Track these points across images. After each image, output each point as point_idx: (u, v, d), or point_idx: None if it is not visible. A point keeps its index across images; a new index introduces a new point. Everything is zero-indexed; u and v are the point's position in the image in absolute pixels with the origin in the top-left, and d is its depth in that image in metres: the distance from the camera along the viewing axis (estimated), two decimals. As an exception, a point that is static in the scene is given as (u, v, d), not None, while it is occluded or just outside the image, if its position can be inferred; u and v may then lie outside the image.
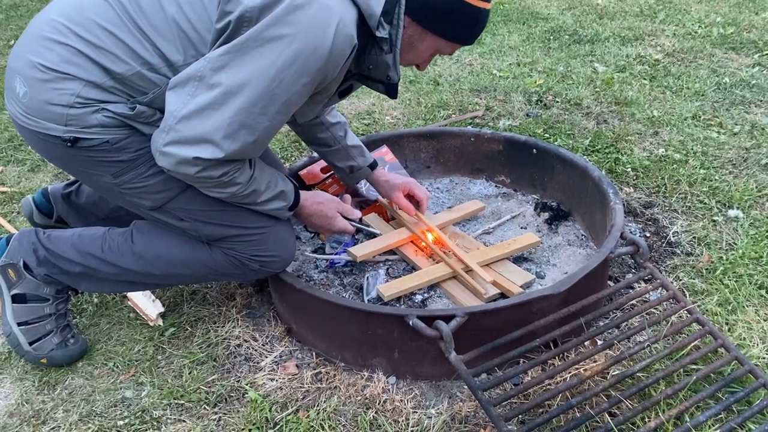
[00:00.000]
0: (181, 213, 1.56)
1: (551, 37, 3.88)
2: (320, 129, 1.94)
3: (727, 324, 1.66)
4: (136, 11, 1.40)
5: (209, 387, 1.61)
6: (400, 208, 2.03)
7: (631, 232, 2.04)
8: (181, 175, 1.41)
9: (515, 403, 1.49)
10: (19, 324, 1.66)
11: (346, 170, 2.02)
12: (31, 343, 1.66)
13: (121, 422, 1.53)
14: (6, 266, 1.66)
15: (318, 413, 1.51)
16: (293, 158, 2.68)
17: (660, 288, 1.67)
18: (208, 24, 1.38)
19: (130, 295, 1.88)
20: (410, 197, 2.04)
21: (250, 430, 1.48)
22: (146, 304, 1.84)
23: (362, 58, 1.50)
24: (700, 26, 3.87)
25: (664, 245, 2.02)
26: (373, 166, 2.04)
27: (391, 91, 1.59)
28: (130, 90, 1.43)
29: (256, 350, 1.72)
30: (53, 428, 1.53)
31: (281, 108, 1.38)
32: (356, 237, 2.13)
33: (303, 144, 2.78)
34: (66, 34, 1.41)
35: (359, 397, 1.55)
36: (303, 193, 1.69)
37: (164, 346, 1.75)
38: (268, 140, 1.46)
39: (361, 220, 1.91)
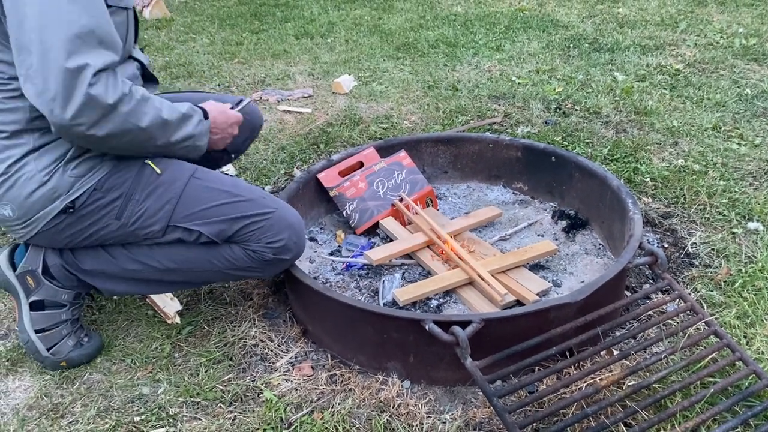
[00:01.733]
0: (187, 222, 1.59)
1: (571, 45, 3.88)
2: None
3: (745, 337, 1.65)
4: None
5: (225, 386, 1.62)
6: None
7: (649, 243, 2.03)
8: (98, 124, 1.39)
9: (530, 411, 1.49)
10: (36, 332, 1.67)
11: None
12: (48, 349, 1.68)
13: (138, 418, 1.55)
14: (25, 273, 1.67)
15: (332, 415, 1.52)
16: (311, 160, 2.70)
17: (678, 299, 1.66)
18: None
19: (148, 292, 1.90)
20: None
21: (265, 429, 1.49)
22: (164, 301, 1.85)
23: None
24: (721, 36, 3.84)
25: (682, 256, 2.01)
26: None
27: None
28: (46, 128, 1.47)
29: (271, 350, 1.73)
30: (71, 422, 1.55)
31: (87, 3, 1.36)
32: (372, 240, 2.14)
33: (321, 146, 2.80)
34: None
35: (373, 401, 1.56)
36: (203, 105, 1.68)
37: (181, 344, 1.76)
38: (112, 37, 1.41)
39: (240, 102, 1.90)
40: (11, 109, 1.46)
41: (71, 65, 1.32)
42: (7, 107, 1.46)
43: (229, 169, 2.64)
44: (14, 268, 1.69)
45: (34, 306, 1.68)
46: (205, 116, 1.65)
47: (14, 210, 1.52)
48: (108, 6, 1.44)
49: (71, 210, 1.53)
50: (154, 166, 1.58)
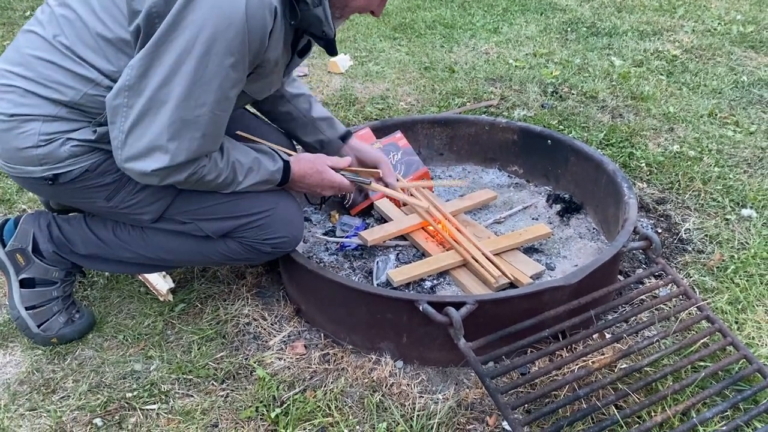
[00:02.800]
0: (181, 217, 1.57)
1: (569, 29, 3.85)
2: (281, 102, 1.86)
3: (736, 323, 1.66)
4: (63, 34, 1.39)
5: (217, 363, 1.62)
6: (384, 172, 1.87)
7: (643, 227, 2.04)
8: (151, 184, 1.43)
9: (522, 392, 1.50)
10: (27, 308, 1.65)
11: (315, 146, 1.89)
12: (39, 326, 1.66)
13: (130, 394, 1.54)
14: (14, 251, 1.65)
15: (325, 394, 1.52)
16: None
17: (671, 284, 1.66)
18: (127, 26, 1.35)
19: (141, 269, 1.89)
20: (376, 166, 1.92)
21: (257, 407, 1.49)
22: (157, 279, 1.84)
23: (297, 14, 1.42)
24: (719, 23, 3.83)
25: (675, 242, 2.01)
26: (345, 137, 1.90)
27: (330, 47, 1.51)
28: (86, 115, 1.43)
29: (264, 329, 1.73)
30: (63, 397, 1.54)
31: (218, 95, 1.34)
32: (367, 221, 2.13)
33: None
34: (10, 77, 1.42)
35: (366, 380, 1.56)
36: (291, 162, 1.63)
37: (174, 322, 1.76)
38: (220, 131, 1.42)
39: (357, 173, 1.78)
40: (66, 85, 1.39)
41: (170, 149, 1.34)
42: (62, 82, 1.39)
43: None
44: (4, 244, 1.67)
45: (25, 283, 1.66)
46: (282, 182, 1.60)
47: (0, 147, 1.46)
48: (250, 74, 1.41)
49: (50, 182, 1.47)
50: None
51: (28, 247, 1.65)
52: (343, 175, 1.71)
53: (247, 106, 1.85)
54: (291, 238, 1.64)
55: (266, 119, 1.92)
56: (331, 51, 1.52)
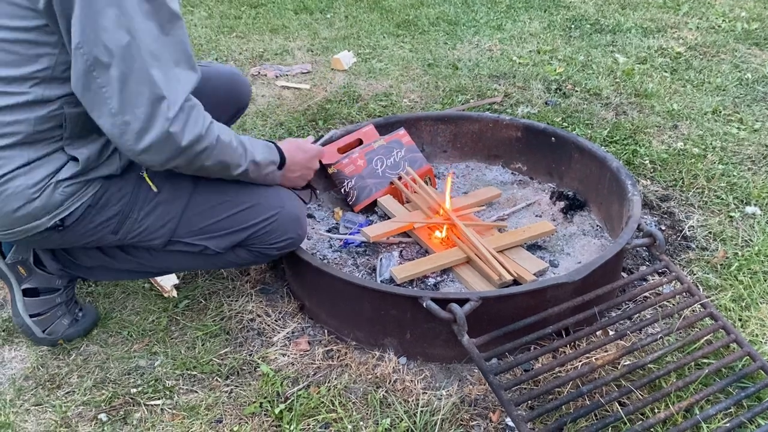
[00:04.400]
0: (190, 238, 1.55)
1: (572, 26, 3.85)
2: None
3: (740, 320, 1.66)
4: None
5: (222, 359, 1.63)
6: None
7: (646, 224, 2.04)
8: (167, 161, 1.33)
9: (525, 388, 1.50)
10: (31, 316, 1.64)
11: None
12: (44, 330, 1.65)
13: (135, 390, 1.55)
14: (15, 263, 1.62)
15: (329, 389, 1.52)
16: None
17: (674, 281, 1.66)
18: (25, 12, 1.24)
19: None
20: None
21: (261, 403, 1.50)
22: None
23: None
24: (724, 20, 3.82)
25: (679, 239, 2.01)
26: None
27: None
28: (52, 141, 1.35)
29: (268, 325, 1.74)
30: (68, 392, 1.55)
31: (170, 13, 1.26)
32: (370, 218, 2.13)
33: (319, 123, 2.78)
34: None
35: (370, 376, 1.56)
36: (277, 144, 1.63)
37: (178, 318, 1.77)
38: (189, 51, 1.31)
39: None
40: (14, 121, 1.30)
41: (158, 93, 1.24)
42: (9, 118, 1.30)
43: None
44: (3, 256, 1.63)
45: (28, 292, 1.64)
46: (282, 162, 1.59)
47: None
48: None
49: (60, 228, 1.43)
50: (150, 182, 1.48)
51: (29, 259, 1.63)
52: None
53: None
54: (297, 238, 1.64)
55: None
56: None
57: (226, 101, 1.85)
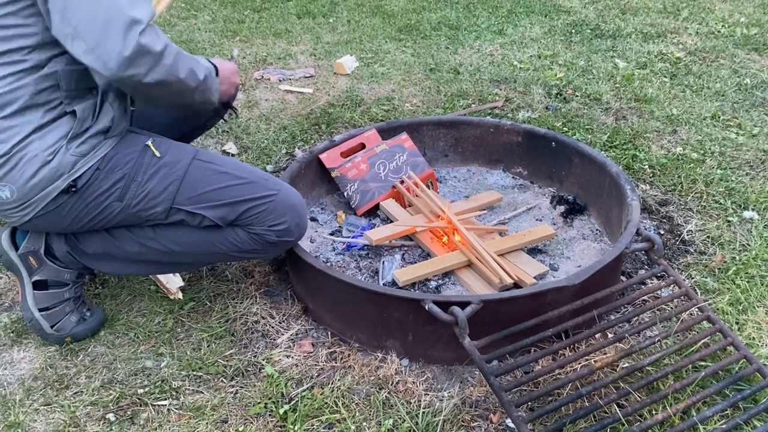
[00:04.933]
0: (191, 205, 1.59)
1: (573, 31, 3.88)
2: None
3: (737, 323, 1.69)
4: None
5: (227, 361, 1.66)
6: None
7: (645, 229, 2.06)
8: (149, 72, 1.40)
9: (525, 390, 1.53)
10: (40, 310, 1.68)
11: None
12: (52, 326, 1.69)
13: (141, 390, 1.58)
14: (27, 254, 1.68)
15: (332, 391, 1.55)
16: (313, 141, 2.71)
17: (672, 285, 1.69)
18: None
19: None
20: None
21: (266, 404, 1.52)
22: (167, 277, 1.88)
23: None
24: (723, 26, 3.85)
25: (677, 243, 2.04)
26: None
27: None
28: (53, 97, 1.46)
29: (273, 327, 1.76)
30: (76, 393, 1.58)
31: None
32: (373, 222, 2.16)
33: (322, 127, 2.81)
34: None
35: (372, 377, 1.59)
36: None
37: (183, 319, 1.79)
38: None
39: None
40: (17, 87, 1.43)
41: (130, 17, 1.33)
42: (12, 85, 1.43)
43: (230, 147, 2.65)
44: (16, 247, 1.69)
45: (38, 285, 1.69)
46: (216, 72, 1.64)
47: (13, 192, 1.48)
48: None
49: (74, 189, 1.50)
50: (154, 149, 1.58)
51: (40, 250, 1.68)
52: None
53: None
54: (294, 225, 1.65)
55: None
56: None
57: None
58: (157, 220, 1.62)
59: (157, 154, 1.58)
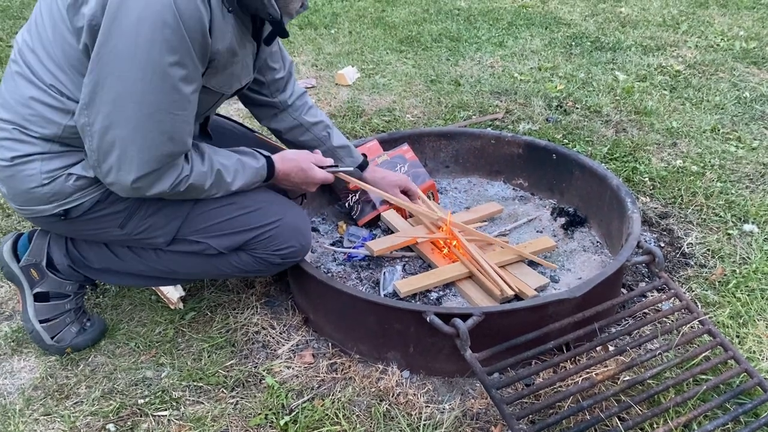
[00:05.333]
0: (194, 237, 1.59)
1: (573, 43, 3.90)
2: (300, 131, 1.94)
3: (738, 337, 1.69)
4: (34, 69, 1.41)
5: (227, 371, 1.65)
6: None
7: (646, 241, 2.07)
8: (144, 197, 1.46)
9: (526, 402, 1.53)
10: (41, 321, 1.68)
11: None
12: (52, 337, 1.69)
13: (142, 401, 1.57)
14: (29, 266, 1.68)
15: (333, 402, 1.55)
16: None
17: (673, 298, 1.69)
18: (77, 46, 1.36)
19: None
20: (405, 193, 2.06)
21: (266, 415, 1.52)
22: (168, 287, 1.88)
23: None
24: (722, 39, 3.87)
25: (678, 256, 2.04)
26: (363, 166, 2.02)
27: (279, 29, 1.49)
28: (77, 145, 1.45)
29: (273, 338, 1.76)
30: (76, 403, 1.57)
31: (173, 96, 1.34)
32: (374, 232, 2.16)
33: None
34: (2, 125, 1.45)
35: (373, 389, 1.59)
36: (275, 159, 1.67)
37: (184, 330, 1.79)
38: (186, 131, 1.41)
39: (335, 166, 1.85)
40: (48, 119, 1.42)
41: (141, 157, 1.36)
42: (46, 117, 1.41)
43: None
44: (18, 259, 1.69)
45: (39, 297, 1.69)
46: (268, 178, 1.64)
47: (9, 192, 1.50)
48: (204, 86, 1.44)
49: (63, 218, 1.51)
50: None
51: (42, 262, 1.67)
52: (327, 170, 1.77)
53: (267, 133, 1.90)
54: (299, 248, 1.67)
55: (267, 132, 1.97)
56: (281, 33, 1.51)
57: None
58: (157, 247, 1.62)
59: None
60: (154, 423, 1.51)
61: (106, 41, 1.28)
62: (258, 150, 1.66)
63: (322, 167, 1.76)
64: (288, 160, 1.70)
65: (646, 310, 1.79)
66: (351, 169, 1.90)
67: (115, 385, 1.62)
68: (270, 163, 1.65)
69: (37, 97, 1.41)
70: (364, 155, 2.05)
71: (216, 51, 1.40)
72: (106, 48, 1.28)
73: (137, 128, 1.33)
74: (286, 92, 1.91)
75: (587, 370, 1.57)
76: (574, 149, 2.60)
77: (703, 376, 1.52)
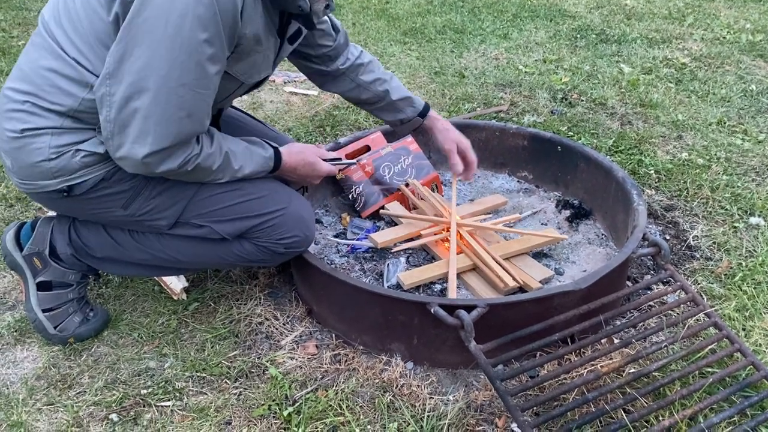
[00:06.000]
0: (197, 220, 1.58)
1: (578, 36, 3.87)
2: (359, 91, 1.98)
3: (744, 329, 1.68)
4: (58, 39, 1.41)
5: (231, 362, 1.65)
6: (450, 163, 2.00)
7: (651, 234, 2.06)
8: (150, 174, 1.44)
9: (531, 394, 1.52)
10: (44, 311, 1.67)
11: (397, 123, 2.05)
12: (56, 327, 1.68)
13: (145, 391, 1.57)
14: (32, 255, 1.67)
15: (336, 393, 1.54)
16: (317, 143, 2.71)
17: (679, 290, 1.68)
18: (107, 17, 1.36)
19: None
20: (462, 157, 2.02)
21: (269, 406, 1.51)
22: (171, 278, 1.87)
23: None
24: (728, 32, 3.85)
25: (683, 249, 2.03)
26: (424, 112, 2.04)
27: (307, 22, 1.51)
28: (90, 124, 1.44)
29: (277, 329, 1.75)
30: (79, 392, 1.57)
31: (197, 73, 1.34)
32: (377, 224, 2.15)
33: (327, 129, 2.81)
34: (16, 97, 1.45)
35: (377, 380, 1.58)
36: (282, 151, 1.67)
37: (187, 320, 1.79)
38: (205, 110, 1.42)
39: (338, 159, 1.89)
40: (66, 92, 1.41)
41: (158, 131, 1.35)
42: (63, 89, 1.41)
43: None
44: (21, 248, 1.68)
45: (42, 286, 1.68)
46: (275, 169, 1.64)
47: (14, 164, 1.49)
48: (226, 72, 1.43)
49: (65, 194, 1.50)
50: None
51: (45, 251, 1.67)
52: (334, 164, 1.81)
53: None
54: (303, 238, 1.66)
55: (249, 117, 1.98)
56: (309, 25, 1.52)
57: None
58: (160, 230, 1.62)
59: None
60: (157, 413, 1.51)
61: (138, 12, 1.28)
62: (267, 141, 1.66)
63: (326, 160, 1.78)
64: (295, 153, 1.70)
65: (651, 303, 1.79)
66: (354, 162, 1.93)
67: (118, 376, 1.62)
68: (278, 155, 1.65)
69: (57, 68, 1.41)
70: (427, 104, 2.06)
71: (243, 35, 1.40)
72: (138, 18, 1.28)
73: (158, 101, 1.32)
74: (340, 60, 1.93)
75: (592, 363, 1.56)
76: (579, 142, 2.59)
77: (709, 369, 1.51)
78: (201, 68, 1.34)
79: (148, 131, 1.35)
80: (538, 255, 1.99)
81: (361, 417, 1.49)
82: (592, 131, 2.73)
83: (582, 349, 1.62)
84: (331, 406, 1.51)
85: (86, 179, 1.48)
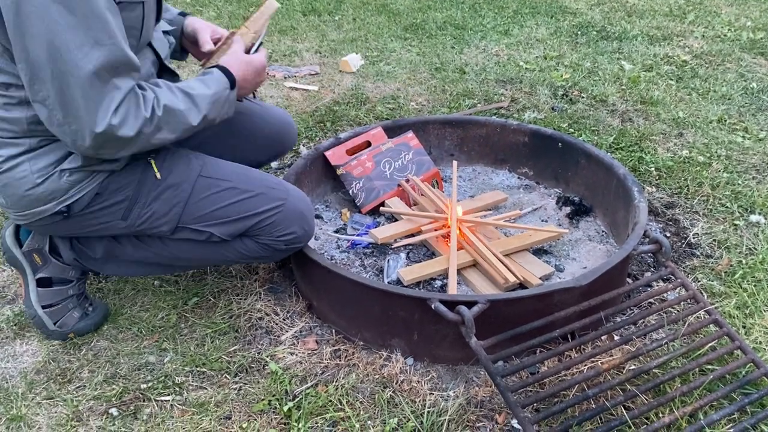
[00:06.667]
0: (197, 224, 1.57)
1: (579, 32, 3.87)
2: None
3: (744, 327, 1.68)
4: None
5: (231, 357, 1.65)
6: (201, 41, 1.77)
7: (652, 231, 2.06)
8: (132, 144, 1.38)
9: (531, 391, 1.52)
10: (43, 307, 1.67)
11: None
12: (55, 323, 1.68)
13: (144, 385, 1.57)
14: (31, 251, 1.66)
15: (336, 389, 1.54)
16: (317, 138, 2.70)
17: (679, 287, 1.68)
18: None
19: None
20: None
21: (269, 401, 1.51)
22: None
23: None
24: (729, 29, 3.84)
25: (683, 246, 2.03)
26: (183, 13, 1.84)
27: None
28: (52, 136, 1.40)
29: (277, 324, 1.75)
30: (79, 387, 1.57)
31: (92, 21, 1.26)
32: (377, 220, 2.15)
33: (327, 124, 2.80)
34: None
35: (377, 376, 1.58)
36: (225, 64, 1.56)
37: (187, 315, 1.78)
38: (123, 57, 1.32)
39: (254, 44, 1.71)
40: (7, 118, 1.39)
41: (95, 118, 1.29)
42: (5, 118, 1.39)
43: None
44: (20, 244, 1.68)
45: (41, 282, 1.68)
46: (232, 84, 1.54)
47: (7, 200, 1.48)
48: (118, 3, 1.33)
49: (65, 214, 1.49)
50: (156, 170, 1.53)
51: (44, 247, 1.66)
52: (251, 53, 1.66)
53: None
54: (303, 233, 1.65)
55: None
56: None
57: (270, 145, 1.93)
58: (164, 237, 1.61)
59: (158, 175, 1.52)
60: (156, 408, 1.51)
61: (17, 12, 1.23)
62: (203, 71, 1.57)
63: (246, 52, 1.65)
64: (230, 57, 1.59)
65: (652, 300, 1.79)
66: (260, 38, 1.73)
67: (117, 370, 1.61)
68: (223, 69, 1.54)
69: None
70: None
71: None
72: (18, 18, 1.23)
73: (91, 65, 1.26)
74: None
75: (593, 359, 1.56)
76: (580, 138, 2.58)
77: (709, 366, 1.51)
78: (98, 20, 1.26)
79: (87, 99, 1.28)
80: (539, 251, 1.99)
81: (361, 412, 1.48)
82: (592, 128, 2.73)
83: (582, 346, 1.62)
84: (331, 401, 1.51)
85: (81, 195, 1.47)
